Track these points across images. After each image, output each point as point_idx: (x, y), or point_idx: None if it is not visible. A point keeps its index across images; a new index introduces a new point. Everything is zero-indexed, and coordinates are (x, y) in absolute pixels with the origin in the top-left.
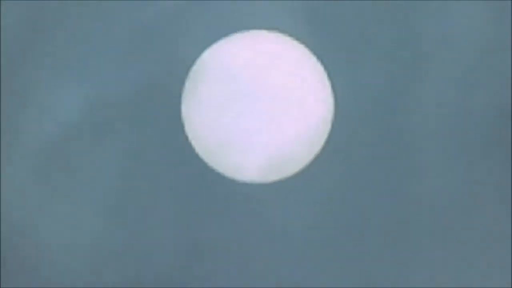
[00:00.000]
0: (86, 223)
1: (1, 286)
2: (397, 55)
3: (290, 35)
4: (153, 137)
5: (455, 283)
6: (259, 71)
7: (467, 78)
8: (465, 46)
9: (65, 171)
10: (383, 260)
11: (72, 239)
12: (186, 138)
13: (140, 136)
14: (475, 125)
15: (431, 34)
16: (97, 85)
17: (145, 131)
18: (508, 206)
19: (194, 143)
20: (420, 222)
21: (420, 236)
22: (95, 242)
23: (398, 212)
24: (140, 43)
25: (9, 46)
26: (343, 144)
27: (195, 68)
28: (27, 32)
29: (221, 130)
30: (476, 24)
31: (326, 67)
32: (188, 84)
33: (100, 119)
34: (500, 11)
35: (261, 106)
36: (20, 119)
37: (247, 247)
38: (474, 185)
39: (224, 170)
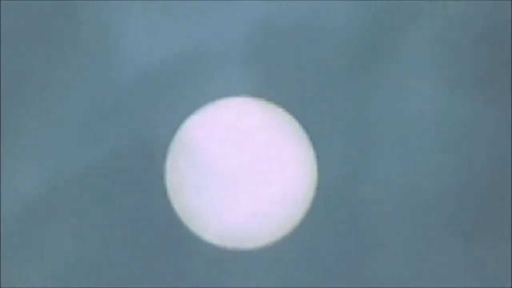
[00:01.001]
0: None
1: (1, 286)
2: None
3: (271, 101)
4: (118, 211)
5: None
6: (241, 140)
7: (429, 156)
8: (422, 125)
9: (21, 247)
10: None
11: None
12: (153, 208)
13: (99, 211)
14: (436, 202)
15: (386, 113)
16: (57, 161)
17: (105, 205)
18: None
19: (177, 209)
20: None
21: None
22: None
23: None
24: (107, 115)
25: None
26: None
27: (176, 138)
28: None
29: (203, 198)
30: (431, 103)
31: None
32: (170, 156)
33: (59, 194)
34: (454, 89)
35: (242, 177)
36: None
37: None
38: (433, 262)
39: (205, 237)
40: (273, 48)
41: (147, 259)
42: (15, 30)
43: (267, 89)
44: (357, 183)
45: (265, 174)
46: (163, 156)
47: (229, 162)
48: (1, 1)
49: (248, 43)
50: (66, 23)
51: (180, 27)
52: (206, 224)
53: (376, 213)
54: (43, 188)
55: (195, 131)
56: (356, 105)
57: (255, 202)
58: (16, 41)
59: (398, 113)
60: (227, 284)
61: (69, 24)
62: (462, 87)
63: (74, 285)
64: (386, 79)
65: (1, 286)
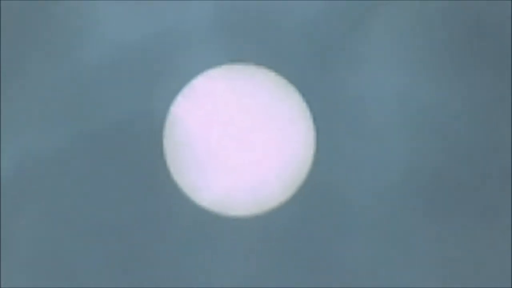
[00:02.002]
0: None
1: (1, 286)
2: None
3: (269, 68)
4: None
5: None
6: (239, 106)
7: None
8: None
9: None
10: None
11: None
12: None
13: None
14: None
15: (355, 97)
16: (29, 141)
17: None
18: None
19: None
20: None
21: None
22: None
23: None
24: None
25: None
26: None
27: (175, 106)
28: None
29: (202, 161)
30: (399, 87)
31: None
32: (168, 125)
33: (36, 174)
34: (422, 74)
35: (241, 143)
36: None
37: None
38: (408, 243)
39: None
40: (243, 21)
41: (133, 222)
42: None
43: (242, 59)
44: (324, 167)
45: (263, 140)
46: (145, 133)
47: (224, 130)
48: None
49: (218, 18)
50: (40, 4)
51: (152, 7)
52: (200, 188)
53: (344, 198)
54: (18, 168)
55: (189, 102)
56: (322, 87)
57: (252, 169)
58: None
59: (366, 99)
60: (208, 247)
61: (43, 5)
62: (429, 72)
63: (45, 269)
64: (355, 61)
65: None
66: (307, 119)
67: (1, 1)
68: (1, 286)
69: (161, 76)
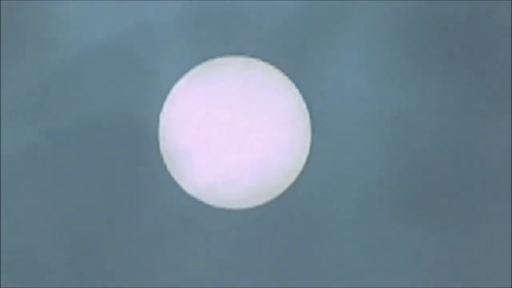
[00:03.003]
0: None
1: (1, 286)
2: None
3: (265, 60)
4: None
5: None
6: (236, 98)
7: None
8: None
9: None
10: None
11: None
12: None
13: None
14: None
15: (324, 104)
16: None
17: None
18: None
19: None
20: None
21: None
22: None
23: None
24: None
25: None
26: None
27: (172, 95)
28: None
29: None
30: (369, 91)
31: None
32: (165, 111)
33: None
34: (393, 78)
35: (238, 135)
36: None
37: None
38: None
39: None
40: (213, 17)
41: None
42: None
43: (216, 54)
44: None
45: (258, 131)
46: (119, 129)
47: (220, 121)
48: None
49: (186, 14)
50: (5, 5)
51: (119, 5)
52: (193, 178)
53: (320, 200)
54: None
55: (186, 92)
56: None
57: (251, 164)
58: None
59: (336, 103)
60: (193, 236)
61: (11, 5)
62: (400, 76)
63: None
64: (325, 66)
65: None
66: (303, 114)
67: None
68: (1, 286)
69: (130, 75)
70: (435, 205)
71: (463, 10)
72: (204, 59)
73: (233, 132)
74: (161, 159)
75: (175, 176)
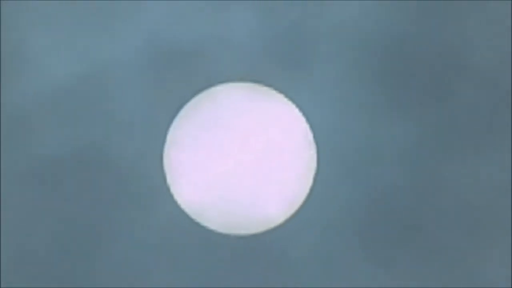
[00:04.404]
0: None
1: (1, 286)
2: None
3: (270, 85)
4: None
5: None
6: (240, 124)
7: None
8: None
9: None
10: None
11: None
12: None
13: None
14: None
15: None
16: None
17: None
18: None
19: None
20: None
21: None
22: None
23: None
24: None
25: None
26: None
27: (176, 120)
28: None
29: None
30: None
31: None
32: (170, 135)
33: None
34: (362, 109)
35: (242, 159)
36: None
37: None
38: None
39: (208, 224)
40: (177, 54)
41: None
42: None
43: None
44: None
45: (268, 160)
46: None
47: (230, 145)
48: None
49: (148, 55)
50: None
51: (86, 41)
52: (202, 208)
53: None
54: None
55: (186, 126)
56: None
57: (251, 189)
58: None
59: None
60: (199, 263)
61: None
62: (367, 109)
63: None
64: (289, 96)
65: None
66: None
67: None
68: (1, 286)
69: (97, 111)
70: (402, 242)
71: (433, 45)
72: (171, 95)
73: (235, 158)
74: (133, 197)
75: (183, 206)
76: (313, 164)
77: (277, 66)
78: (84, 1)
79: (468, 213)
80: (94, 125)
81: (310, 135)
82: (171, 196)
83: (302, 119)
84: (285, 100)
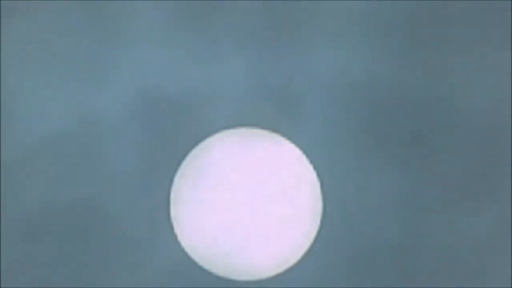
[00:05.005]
0: None
1: (1, 286)
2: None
3: (276, 131)
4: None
5: None
6: (246, 172)
7: None
8: None
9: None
10: None
11: None
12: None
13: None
14: None
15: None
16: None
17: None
18: None
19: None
20: None
21: None
22: None
23: None
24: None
25: None
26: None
27: (181, 169)
28: None
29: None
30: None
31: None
32: (176, 183)
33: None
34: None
35: (248, 209)
36: None
37: None
38: None
39: (215, 270)
40: (161, 113)
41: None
42: None
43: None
44: None
45: (269, 204)
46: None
47: (236, 193)
48: None
49: (139, 107)
50: None
51: (70, 95)
52: (207, 252)
53: None
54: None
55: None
56: None
57: (258, 233)
58: None
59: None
60: None
61: None
62: (348, 164)
63: None
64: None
65: None
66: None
67: None
68: (1, 286)
69: (87, 163)
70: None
71: (421, 95)
72: (164, 145)
73: (240, 203)
74: (119, 249)
75: (188, 249)
76: (319, 209)
77: (268, 114)
78: (74, 52)
79: (461, 264)
80: (85, 177)
81: (314, 176)
82: (175, 243)
83: (305, 160)
84: (283, 140)
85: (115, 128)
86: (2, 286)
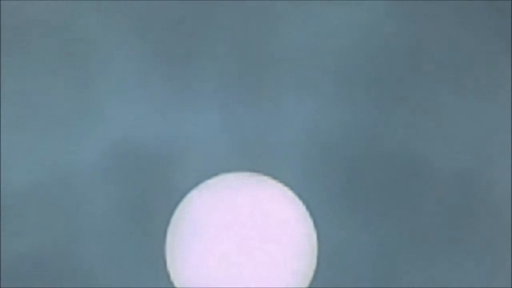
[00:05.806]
0: None
1: (1, 286)
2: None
3: (276, 178)
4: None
5: None
6: (243, 218)
7: None
8: None
9: None
10: None
11: None
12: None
13: None
14: None
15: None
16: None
17: None
18: None
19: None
20: None
21: None
22: None
23: None
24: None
25: None
26: None
27: (177, 213)
28: None
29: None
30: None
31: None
32: (171, 228)
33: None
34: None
35: (244, 254)
36: None
37: None
38: None
39: None
40: (137, 157)
41: None
42: None
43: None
44: None
45: (269, 255)
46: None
47: (232, 240)
48: None
49: (113, 159)
50: None
51: (40, 147)
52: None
53: None
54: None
55: (197, 211)
56: None
57: (255, 280)
58: None
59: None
60: None
61: None
62: (333, 212)
63: None
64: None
65: None
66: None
67: None
68: (1, 286)
69: (61, 215)
70: None
71: (401, 145)
72: (140, 198)
73: (234, 244)
74: None
75: None
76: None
77: (243, 162)
78: (49, 104)
79: None
80: (58, 229)
81: (307, 216)
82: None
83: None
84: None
85: (89, 180)
86: (2, 286)
